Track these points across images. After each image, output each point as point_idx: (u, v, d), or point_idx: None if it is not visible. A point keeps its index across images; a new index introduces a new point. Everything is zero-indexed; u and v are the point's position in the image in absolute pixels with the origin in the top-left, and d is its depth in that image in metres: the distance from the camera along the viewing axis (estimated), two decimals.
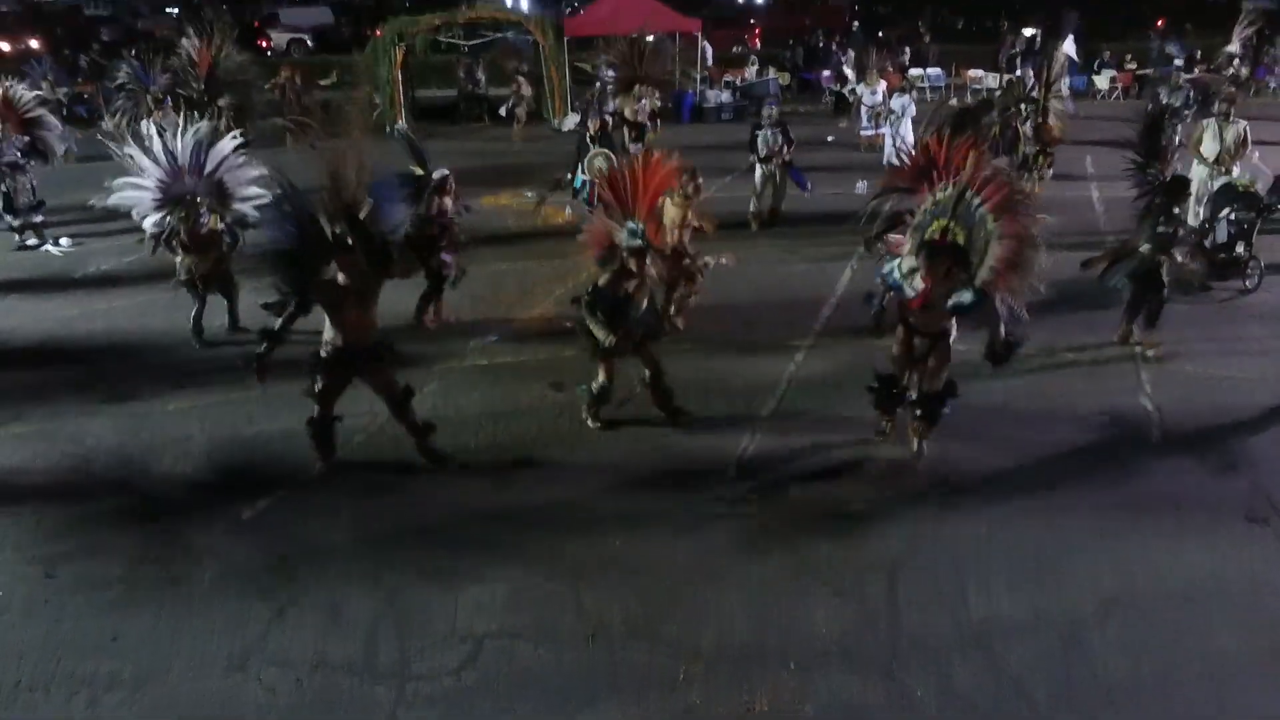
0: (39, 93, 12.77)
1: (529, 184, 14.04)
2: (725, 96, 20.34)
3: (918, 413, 6.03)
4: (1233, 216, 8.96)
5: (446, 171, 8.29)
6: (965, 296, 5.44)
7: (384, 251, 5.69)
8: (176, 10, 42.61)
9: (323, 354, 5.93)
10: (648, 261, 6.22)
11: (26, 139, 11.30)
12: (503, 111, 18.53)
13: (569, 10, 31.56)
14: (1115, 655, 4.51)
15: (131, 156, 7.92)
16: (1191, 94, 13.82)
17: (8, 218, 11.39)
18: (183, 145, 7.94)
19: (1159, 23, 30.55)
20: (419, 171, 8.19)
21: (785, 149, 11.39)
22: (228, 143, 8.23)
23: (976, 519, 5.59)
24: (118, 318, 9.19)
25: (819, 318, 8.77)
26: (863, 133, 16.72)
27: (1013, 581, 5.03)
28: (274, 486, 6.05)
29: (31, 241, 11.47)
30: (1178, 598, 4.90)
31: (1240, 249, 8.95)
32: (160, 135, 7.92)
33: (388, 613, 4.86)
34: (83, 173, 15.37)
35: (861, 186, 13.39)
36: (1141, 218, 7.49)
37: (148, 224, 7.97)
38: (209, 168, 8.05)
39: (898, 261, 5.85)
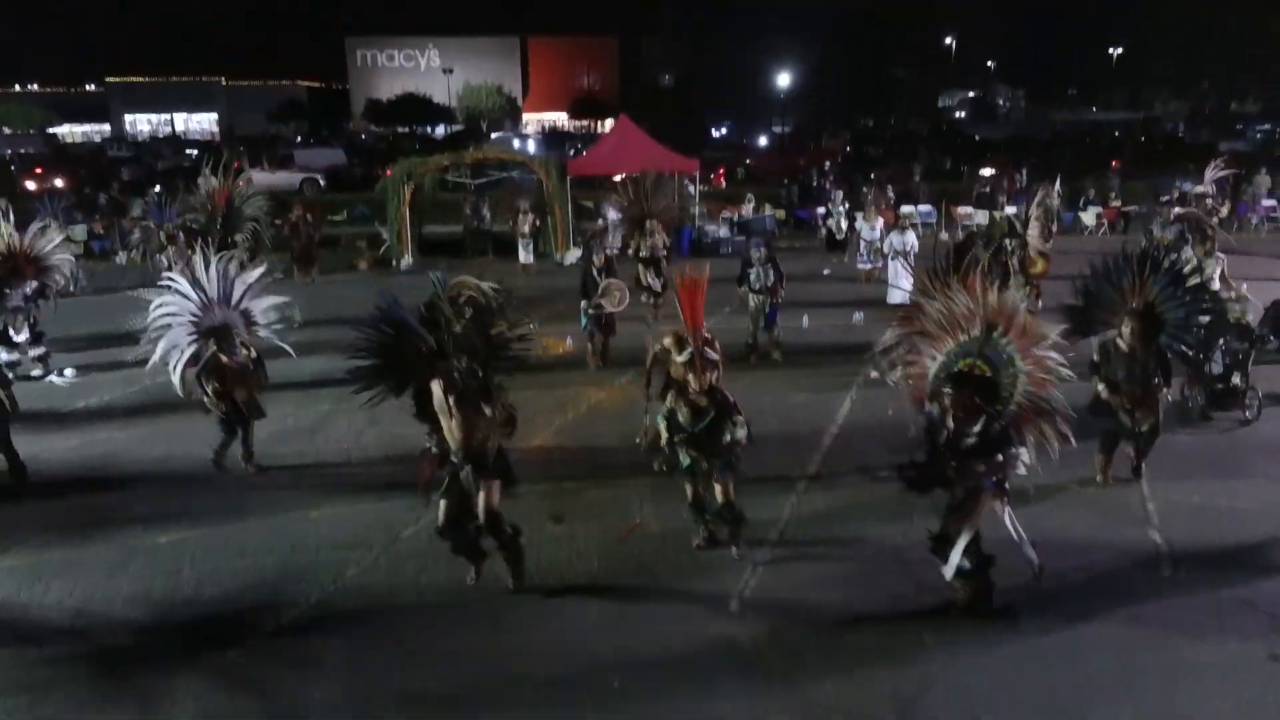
0: (62, 235, 13.24)
1: (531, 316, 14.29)
2: (723, 232, 20.95)
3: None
4: (1226, 348, 9.05)
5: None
6: (984, 440, 5.49)
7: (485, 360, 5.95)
8: (195, 151, 44.66)
9: (451, 460, 5.98)
10: (700, 371, 6.26)
11: (35, 284, 11.56)
12: (521, 251, 18.67)
13: (572, 152, 32.93)
14: None
15: (165, 291, 8.21)
16: (1185, 229, 14.27)
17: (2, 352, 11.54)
18: (210, 278, 8.20)
19: (1114, 163, 32.55)
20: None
21: (779, 285, 11.64)
22: (252, 271, 8.54)
23: (989, 658, 5.40)
24: (116, 448, 9.16)
25: (820, 448, 8.72)
26: (860, 265, 17.18)
27: None
28: (263, 624, 5.87)
29: (36, 372, 11.56)
30: None
31: (1237, 379, 9.00)
32: (189, 270, 8.26)
33: None
34: (93, 305, 15.77)
35: (858, 318, 13.66)
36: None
37: (181, 360, 8.07)
38: (235, 297, 8.30)
39: (931, 393, 5.85)
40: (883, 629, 5.69)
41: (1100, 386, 7.48)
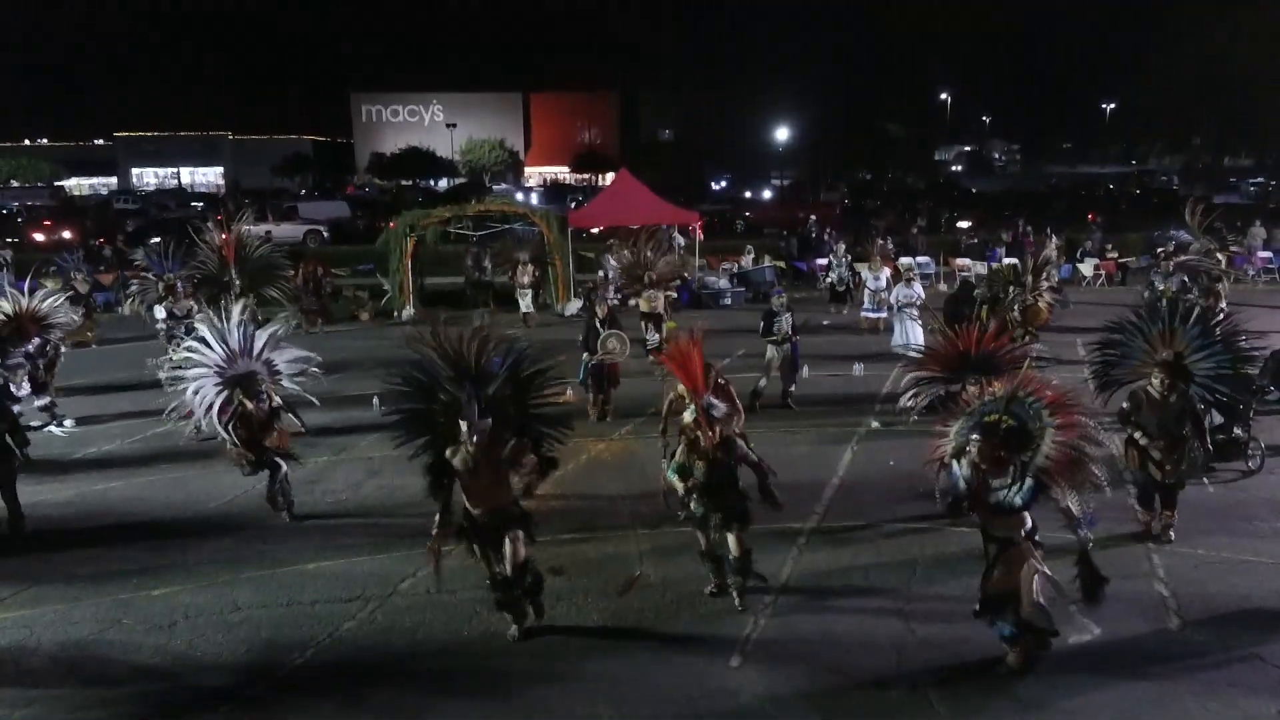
0: (71, 289, 13.49)
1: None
2: (723, 283, 21.09)
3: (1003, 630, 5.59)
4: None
5: None
6: (1016, 496, 5.44)
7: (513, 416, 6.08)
8: (201, 204, 45.16)
9: (463, 522, 6.00)
10: (711, 431, 6.23)
11: (37, 340, 11.65)
12: (521, 302, 18.68)
13: (573, 204, 33.30)
14: None
15: (191, 346, 8.39)
16: (1186, 279, 14.37)
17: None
18: (231, 329, 8.31)
19: (1090, 216, 33.31)
20: None
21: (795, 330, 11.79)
22: (272, 325, 8.69)
23: (994, 715, 5.28)
24: (114, 498, 9.11)
25: (821, 499, 8.65)
26: (864, 314, 17.28)
27: None
28: (255, 678, 5.78)
29: (35, 422, 11.54)
30: None
31: (1238, 430, 8.96)
32: (209, 321, 8.43)
33: None
34: (95, 356, 15.83)
35: (859, 369, 13.67)
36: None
37: (208, 408, 8.17)
38: (257, 348, 8.40)
39: (955, 450, 5.80)
40: (886, 685, 5.58)
41: (1137, 434, 7.44)
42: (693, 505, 6.44)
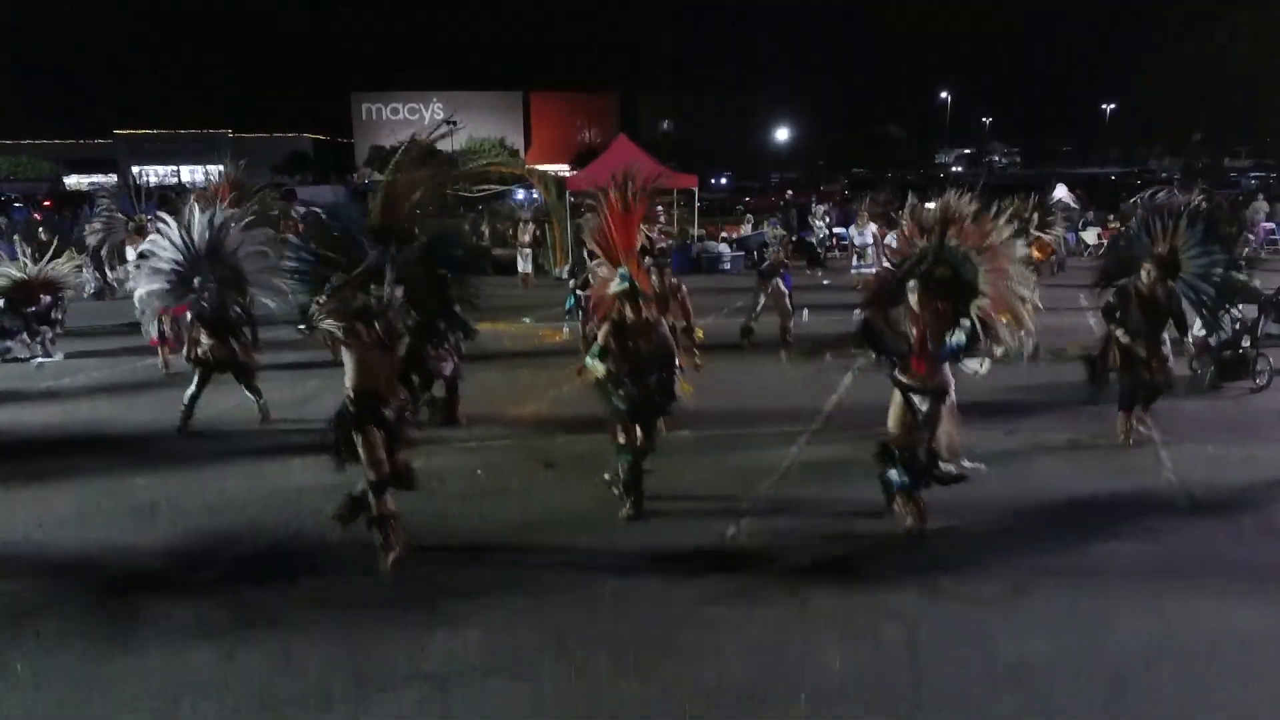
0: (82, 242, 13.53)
1: (528, 315, 14.31)
2: (723, 248, 21.02)
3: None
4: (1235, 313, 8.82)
5: None
6: (961, 336, 5.33)
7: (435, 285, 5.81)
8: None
9: (348, 408, 5.42)
10: (641, 304, 5.89)
11: (46, 300, 11.55)
12: (521, 262, 18.65)
13: (572, 198, 33.10)
14: (1172, 697, 3.97)
15: (151, 246, 8.07)
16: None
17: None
18: (199, 229, 7.96)
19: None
20: None
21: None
22: (249, 230, 8.32)
23: (1000, 578, 5.10)
24: (101, 415, 8.93)
25: (821, 411, 8.50)
26: (854, 271, 17.16)
27: (1048, 630, 4.52)
28: (237, 548, 5.63)
29: (23, 354, 11.40)
30: (1233, 647, 4.38)
31: (1246, 345, 8.78)
32: (178, 223, 8.01)
33: (344, 656, 4.33)
34: (97, 306, 15.82)
35: (859, 315, 13.50)
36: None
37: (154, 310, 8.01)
38: (226, 250, 8.05)
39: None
40: (886, 553, 5.43)
41: (1119, 332, 7.29)
42: (617, 398, 5.88)
